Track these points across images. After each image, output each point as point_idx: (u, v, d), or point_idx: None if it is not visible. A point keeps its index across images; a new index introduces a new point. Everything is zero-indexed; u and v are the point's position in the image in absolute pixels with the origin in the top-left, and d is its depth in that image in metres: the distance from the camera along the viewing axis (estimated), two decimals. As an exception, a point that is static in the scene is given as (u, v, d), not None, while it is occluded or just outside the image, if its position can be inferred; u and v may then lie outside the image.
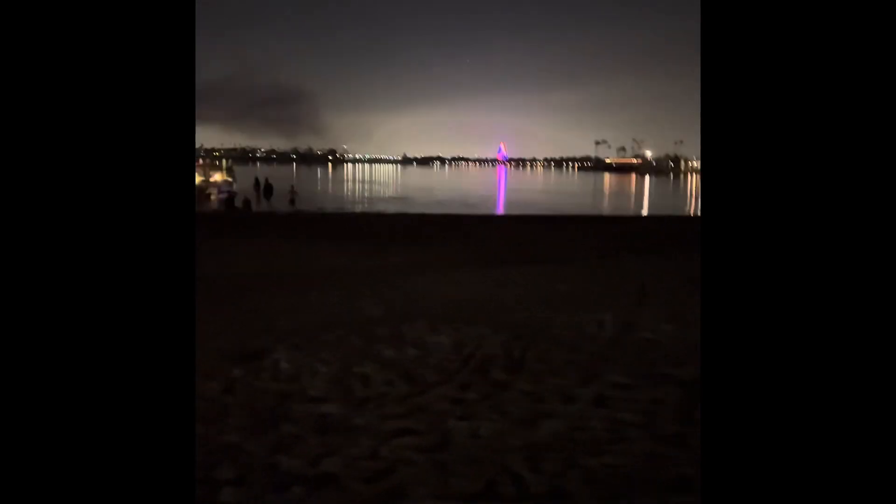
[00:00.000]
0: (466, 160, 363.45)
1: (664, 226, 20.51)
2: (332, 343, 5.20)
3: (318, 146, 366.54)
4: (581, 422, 3.51)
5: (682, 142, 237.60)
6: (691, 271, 9.25)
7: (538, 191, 54.56)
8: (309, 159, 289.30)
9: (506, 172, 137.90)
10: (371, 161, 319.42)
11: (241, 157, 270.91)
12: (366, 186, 57.44)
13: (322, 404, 3.84)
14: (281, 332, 5.56)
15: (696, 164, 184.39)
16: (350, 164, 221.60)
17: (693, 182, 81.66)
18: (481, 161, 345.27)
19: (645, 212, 32.58)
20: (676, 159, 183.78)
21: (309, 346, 5.10)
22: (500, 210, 32.32)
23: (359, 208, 29.89)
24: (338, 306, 6.80)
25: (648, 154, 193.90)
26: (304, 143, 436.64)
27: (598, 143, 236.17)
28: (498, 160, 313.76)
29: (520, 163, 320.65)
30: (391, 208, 28.27)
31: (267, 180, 29.77)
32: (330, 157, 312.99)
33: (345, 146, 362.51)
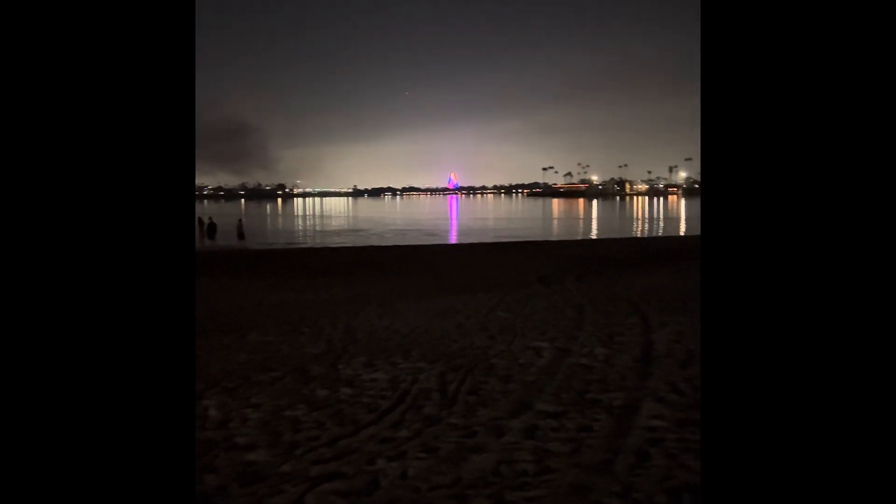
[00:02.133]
0: (418, 190, 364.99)
1: (608, 249, 20.90)
2: (265, 385, 5.09)
3: (267, 181, 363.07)
4: (509, 455, 3.51)
5: (625, 165, 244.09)
6: (632, 295, 9.42)
7: (488, 218, 55.05)
8: (258, 195, 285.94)
9: (457, 201, 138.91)
10: (321, 194, 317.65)
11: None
12: (315, 220, 57.01)
13: (249, 452, 3.74)
14: (213, 376, 5.41)
15: (640, 186, 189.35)
16: (300, 199, 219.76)
17: (637, 204, 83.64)
18: (432, 191, 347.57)
19: (593, 235, 33.16)
20: (621, 182, 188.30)
21: (241, 389, 4.98)
22: (452, 239, 32.47)
23: (308, 243, 29.60)
24: (276, 345, 6.68)
25: (594, 178, 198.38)
26: (253, 178, 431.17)
27: (545, 169, 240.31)
28: (449, 189, 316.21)
29: (470, 191, 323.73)
30: (339, 241, 28.08)
31: (211, 219, 29.26)
32: (279, 192, 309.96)
33: (297, 181, 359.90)
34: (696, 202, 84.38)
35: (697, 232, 25.16)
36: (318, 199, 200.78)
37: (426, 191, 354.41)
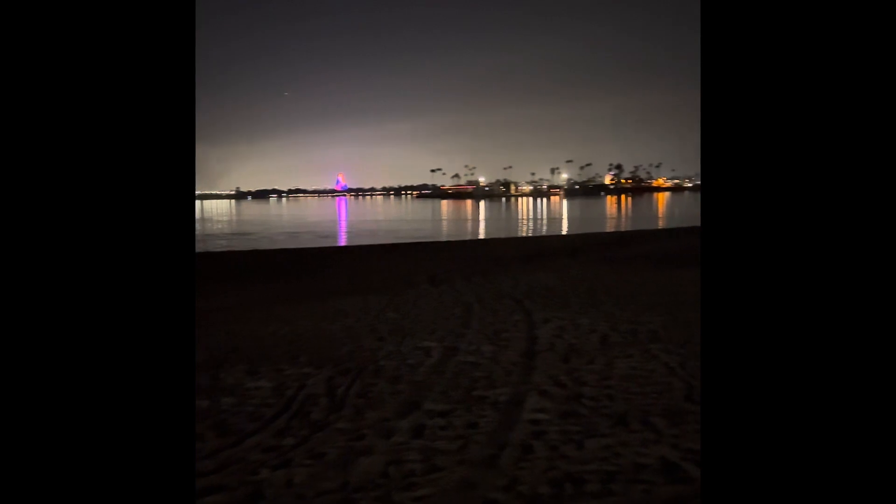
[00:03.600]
0: (305, 192, 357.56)
1: (495, 248, 21.39)
2: (139, 399, 4.79)
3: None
4: (398, 455, 3.50)
5: (510, 167, 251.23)
6: (517, 292, 9.69)
7: (378, 220, 54.88)
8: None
9: (346, 203, 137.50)
10: (201, 197, 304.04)
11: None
12: (197, 224, 54.42)
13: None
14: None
15: (525, 188, 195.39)
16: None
17: (522, 205, 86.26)
18: (320, 192, 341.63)
19: (480, 235, 33.82)
20: (507, 184, 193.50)
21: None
22: (342, 241, 32.06)
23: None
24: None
25: (481, 180, 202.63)
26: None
27: (433, 171, 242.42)
28: (337, 191, 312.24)
29: (359, 193, 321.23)
30: (224, 245, 27.01)
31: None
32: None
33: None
34: (577, 202, 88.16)
35: (579, 230, 26.11)
36: (197, 202, 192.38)
37: (313, 192, 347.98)
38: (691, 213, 53.36)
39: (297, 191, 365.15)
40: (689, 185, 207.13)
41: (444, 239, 29.95)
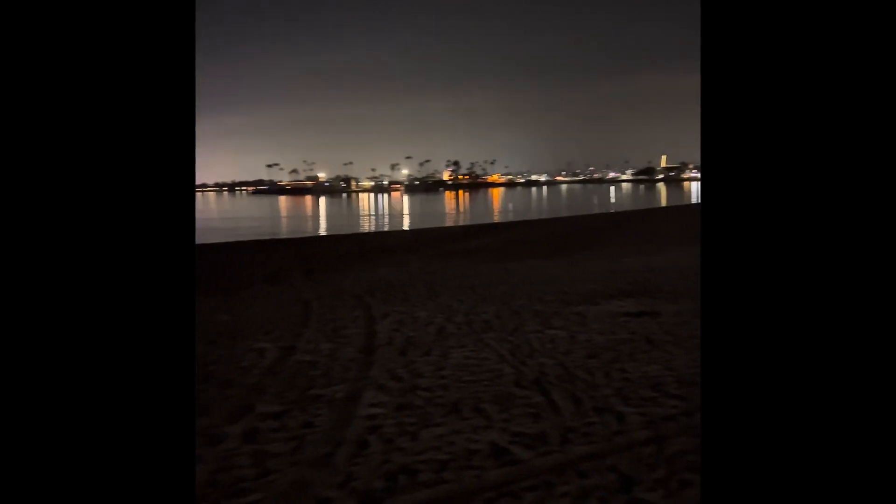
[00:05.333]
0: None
1: (336, 245, 21.16)
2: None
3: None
4: (227, 462, 3.34)
5: (351, 163, 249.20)
6: (358, 288, 9.65)
7: (212, 217, 52.16)
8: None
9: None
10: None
11: None
12: None
13: None
14: None
15: (366, 183, 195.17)
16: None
17: (364, 201, 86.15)
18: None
19: (321, 232, 33.27)
20: (347, 180, 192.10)
21: None
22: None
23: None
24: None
25: (321, 176, 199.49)
26: None
27: (270, 166, 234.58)
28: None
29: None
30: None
31: None
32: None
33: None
34: (417, 198, 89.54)
35: (419, 225, 26.44)
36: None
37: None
38: (524, 206, 56.31)
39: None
40: (522, 180, 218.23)
41: (283, 236, 29.13)
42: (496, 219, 38.60)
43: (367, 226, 37.38)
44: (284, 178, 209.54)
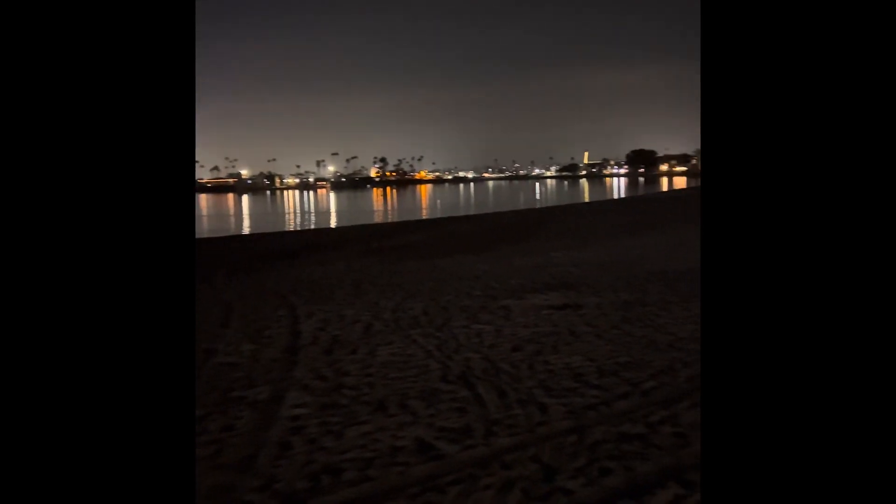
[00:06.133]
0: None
1: (260, 244, 20.69)
2: None
3: None
4: (142, 471, 3.21)
5: (275, 160, 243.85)
6: (282, 287, 9.46)
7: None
8: None
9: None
10: None
11: None
12: None
13: None
14: None
15: (291, 181, 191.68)
16: None
17: (289, 198, 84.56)
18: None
19: (245, 231, 32.44)
20: (271, 177, 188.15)
21: None
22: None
23: None
24: None
25: (244, 173, 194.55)
26: None
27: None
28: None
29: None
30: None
31: None
32: None
33: None
34: (344, 195, 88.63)
35: (346, 223, 26.21)
36: None
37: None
38: (452, 203, 56.61)
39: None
40: (449, 177, 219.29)
41: (204, 236, 28.25)
42: (424, 215, 38.67)
43: (291, 224, 36.73)
44: (206, 176, 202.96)
